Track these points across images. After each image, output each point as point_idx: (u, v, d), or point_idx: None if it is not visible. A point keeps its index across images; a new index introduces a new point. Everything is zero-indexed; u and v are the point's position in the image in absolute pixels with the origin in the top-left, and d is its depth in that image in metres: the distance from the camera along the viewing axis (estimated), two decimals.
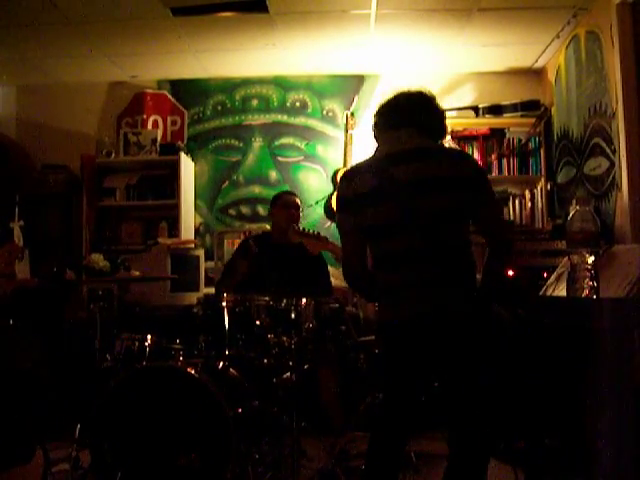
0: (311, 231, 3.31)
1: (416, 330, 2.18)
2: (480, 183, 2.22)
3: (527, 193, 4.99)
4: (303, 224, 5.02)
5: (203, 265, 4.85)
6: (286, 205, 3.94)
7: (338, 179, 4.87)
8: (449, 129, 4.82)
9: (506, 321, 2.48)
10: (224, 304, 3.13)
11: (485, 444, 2.21)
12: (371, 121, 2.41)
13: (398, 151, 2.22)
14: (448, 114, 4.90)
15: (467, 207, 2.18)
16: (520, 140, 4.99)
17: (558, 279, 2.73)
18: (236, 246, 4.34)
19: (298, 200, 4.04)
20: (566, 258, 2.44)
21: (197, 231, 5.33)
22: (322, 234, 3.30)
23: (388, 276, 2.24)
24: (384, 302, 2.30)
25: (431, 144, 2.29)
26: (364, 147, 4.92)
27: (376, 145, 2.38)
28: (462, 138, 5.03)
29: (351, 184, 2.26)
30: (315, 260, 3.79)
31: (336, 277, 4.40)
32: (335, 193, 2.40)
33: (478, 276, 2.28)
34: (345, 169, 2.40)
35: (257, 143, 5.35)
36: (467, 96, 5.22)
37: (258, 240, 3.89)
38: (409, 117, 2.28)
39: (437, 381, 2.32)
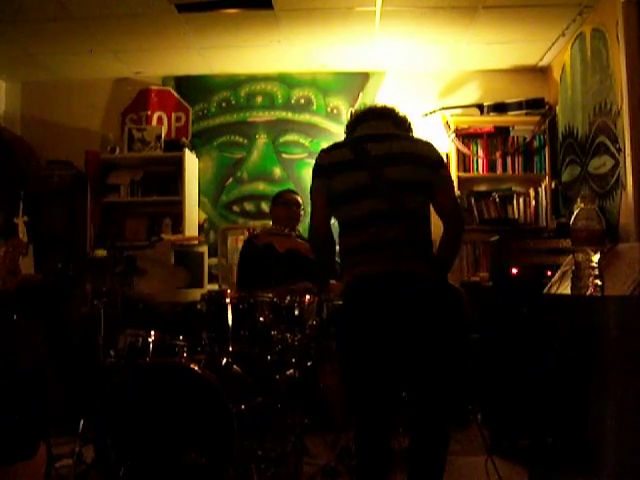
0: (282, 229, 3.76)
1: (380, 286, 2.32)
2: (440, 167, 2.47)
3: (531, 191, 4.98)
4: (306, 221, 5.06)
5: (207, 261, 4.85)
6: (287, 203, 3.96)
7: None
8: (454, 126, 4.92)
9: (463, 296, 2.59)
10: (228, 300, 3.14)
11: (445, 414, 2.35)
12: (347, 123, 2.65)
13: (375, 134, 2.48)
14: (452, 112, 5.01)
15: (427, 183, 2.41)
16: (525, 138, 4.98)
17: (562, 277, 2.73)
18: (240, 244, 4.34)
19: (299, 198, 4.06)
20: (570, 256, 2.44)
21: (201, 228, 5.32)
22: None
23: (354, 238, 2.40)
24: (349, 264, 2.43)
25: (403, 132, 2.57)
26: None
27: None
28: (466, 136, 5.02)
29: (328, 155, 2.50)
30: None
31: None
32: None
33: None
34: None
35: (261, 140, 5.34)
36: (472, 94, 5.20)
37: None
38: (385, 114, 2.57)
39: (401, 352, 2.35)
